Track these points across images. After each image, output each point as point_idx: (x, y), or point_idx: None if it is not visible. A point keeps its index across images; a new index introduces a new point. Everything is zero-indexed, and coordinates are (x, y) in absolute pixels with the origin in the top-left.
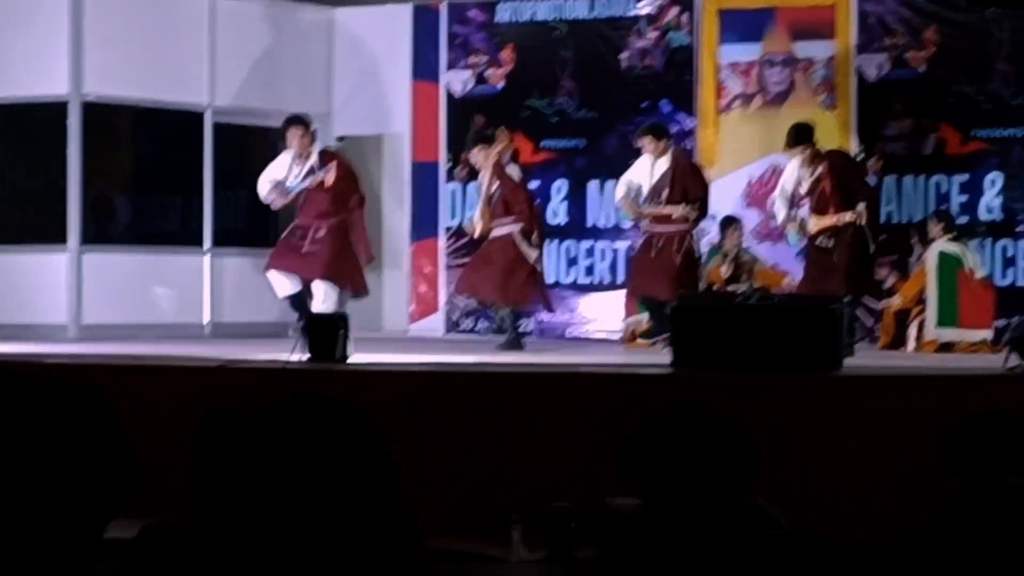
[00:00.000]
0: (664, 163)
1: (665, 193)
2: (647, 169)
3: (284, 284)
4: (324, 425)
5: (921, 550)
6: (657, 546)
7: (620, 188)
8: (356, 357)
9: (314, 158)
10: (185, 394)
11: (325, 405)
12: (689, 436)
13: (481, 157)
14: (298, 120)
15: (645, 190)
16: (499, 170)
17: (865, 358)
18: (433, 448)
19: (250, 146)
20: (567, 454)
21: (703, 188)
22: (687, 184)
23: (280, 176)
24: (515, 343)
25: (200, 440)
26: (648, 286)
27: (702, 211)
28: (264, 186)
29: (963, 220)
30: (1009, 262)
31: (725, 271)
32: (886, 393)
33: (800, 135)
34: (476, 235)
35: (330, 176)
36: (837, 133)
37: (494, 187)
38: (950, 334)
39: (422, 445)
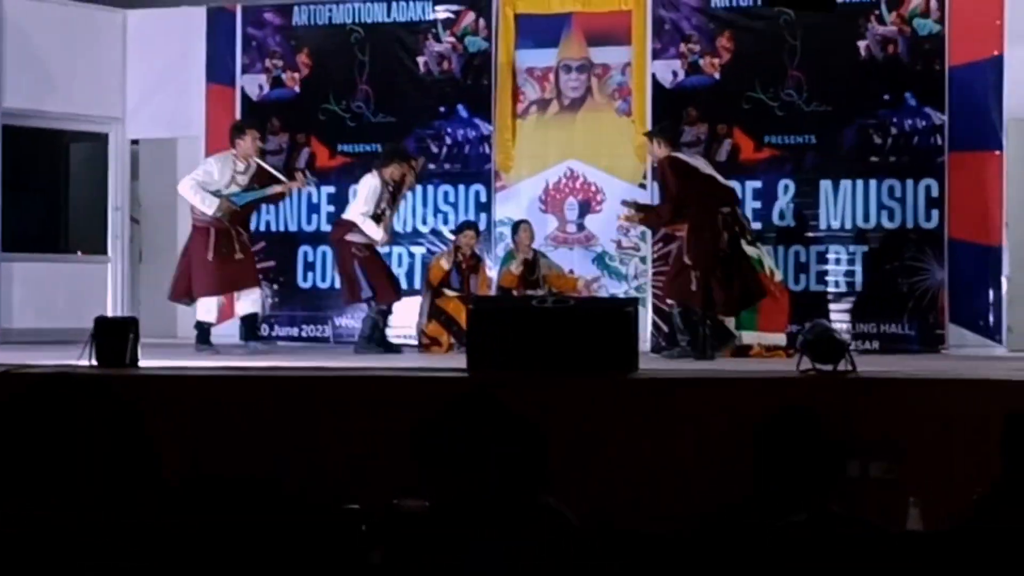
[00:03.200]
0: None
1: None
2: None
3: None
4: (77, 406)
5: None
6: (445, 547)
7: None
8: (148, 362)
9: (253, 167)
10: None
11: (81, 386)
12: (475, 431)
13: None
14: (252, 126)
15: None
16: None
17: (659, 362)
18: (223, 452)
19: (41, 149)
20: (361, 457)
21: (674, 190)
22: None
23: (213, 183)
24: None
25: None
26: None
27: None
28: (193, 193)
29: (756, 226)
30: (802, 268)
31: (515, 269)
32: (681, 395)
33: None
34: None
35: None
36: (632, 139)
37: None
38: (748, 337)
39: (213, 449)
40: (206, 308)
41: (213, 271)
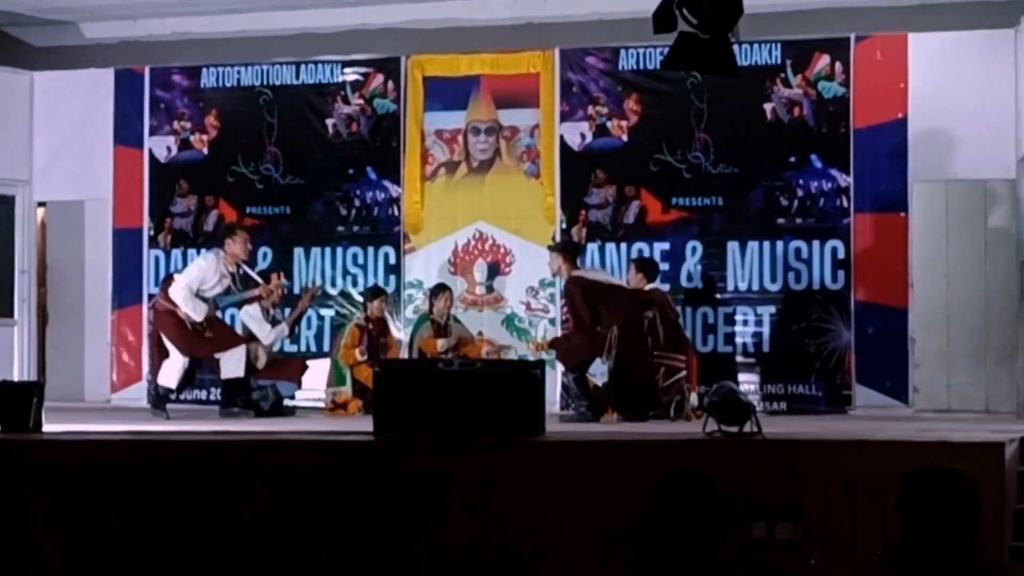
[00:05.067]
0: None
1: None
2: None
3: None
4: None
5: None
6: None
7: None
8: (52, 426)
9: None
10: None
11: None
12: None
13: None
14: (244, 228)
15: None
16: None
17: (564, 424)
18: (128, 517)
19: None
20: (269, 521)
21: (585, 319)
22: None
23: (206, 289)
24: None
25: None
26: None
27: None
28: (185, 302)
29: (664, 288)
30: (709, 329)
31: (442, 345)
32: (588, 457)
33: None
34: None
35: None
36: (541, 201)
37: None
38: None
39: (119, 514)
40: (167, 374)
41: (195, 337)
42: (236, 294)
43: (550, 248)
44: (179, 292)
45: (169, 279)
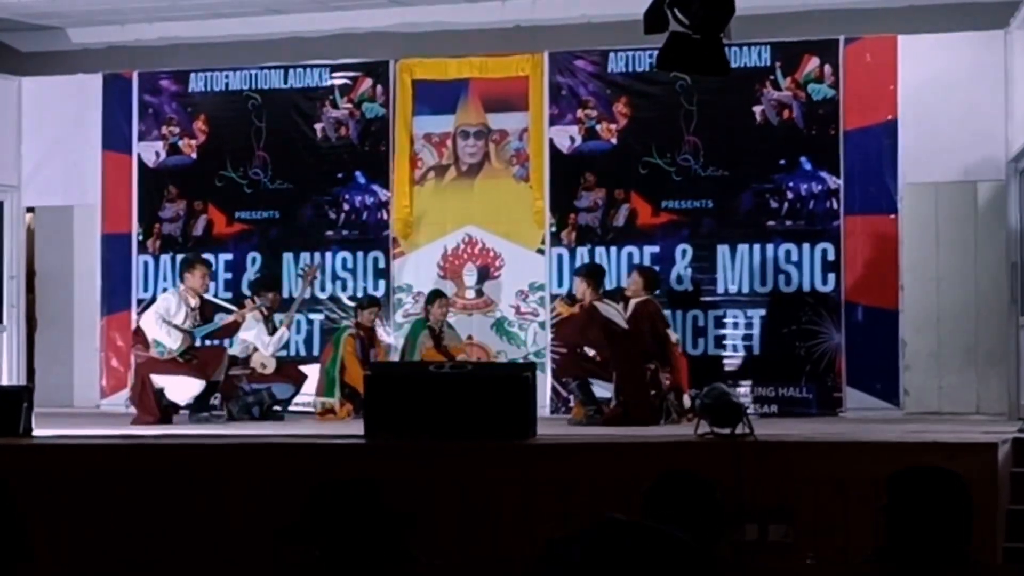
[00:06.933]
0: None
1: None
2: None
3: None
4: None
5: None
6: None
7: None
8: (42, 431)
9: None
10: None
11: None
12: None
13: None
14: (202, 262)
15: None
16: None
17: (558, 426)
18: (119, 520)
19: None
20: (261, 523)
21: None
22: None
23: (170, 316)
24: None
25: None
26: None
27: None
28: (158, 327)
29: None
30: (699, 332)
31: (429, 343)
32: (579, 459)
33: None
34: None
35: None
36: (530, 205)
37: None
38: None
39: (110, 517)
40: (180, 391)
41: (186, 365)
42: (210, 324)
43: (575, 273)
44: (150, 320)
45: (139, 330)
